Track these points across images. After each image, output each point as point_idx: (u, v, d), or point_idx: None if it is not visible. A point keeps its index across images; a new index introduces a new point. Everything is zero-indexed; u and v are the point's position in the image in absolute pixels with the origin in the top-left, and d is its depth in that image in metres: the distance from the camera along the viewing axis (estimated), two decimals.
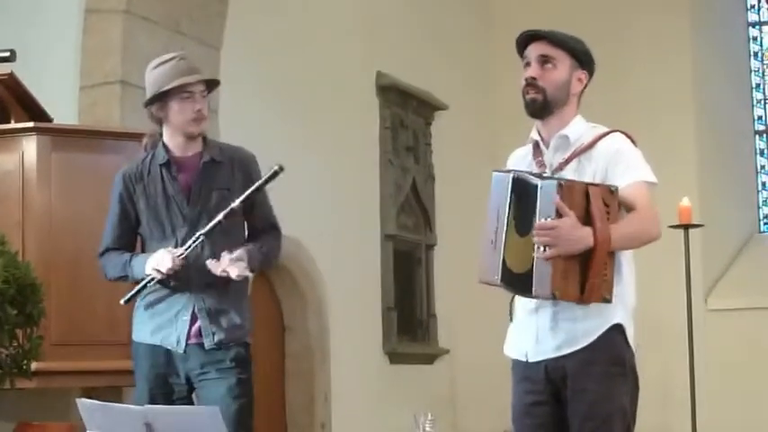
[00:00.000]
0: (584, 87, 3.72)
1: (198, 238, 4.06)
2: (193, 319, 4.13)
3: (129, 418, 3.50)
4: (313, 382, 8.00)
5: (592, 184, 3.45)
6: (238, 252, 4.05)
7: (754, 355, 9.43)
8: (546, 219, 3.38)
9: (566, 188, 3.39)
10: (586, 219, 3.41)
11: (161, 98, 4.16)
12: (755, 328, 9.47)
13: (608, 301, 3.46)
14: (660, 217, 3.56)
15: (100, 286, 4.49)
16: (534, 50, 3.66)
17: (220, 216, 4.07)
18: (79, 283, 4.83)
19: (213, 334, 4.11)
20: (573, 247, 3.38)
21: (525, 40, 3.71)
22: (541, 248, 3.40)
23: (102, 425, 3.51)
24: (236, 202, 4.09)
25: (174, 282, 4.11)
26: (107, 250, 4.27)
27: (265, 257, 4.25)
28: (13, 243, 4.45)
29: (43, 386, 4.79)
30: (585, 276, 3.42)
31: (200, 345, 4.12)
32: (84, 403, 3.54)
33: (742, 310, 9.60)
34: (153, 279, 4.08)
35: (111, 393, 5.00)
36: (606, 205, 3.44)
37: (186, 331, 4.12)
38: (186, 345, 4.12)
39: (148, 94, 4.20)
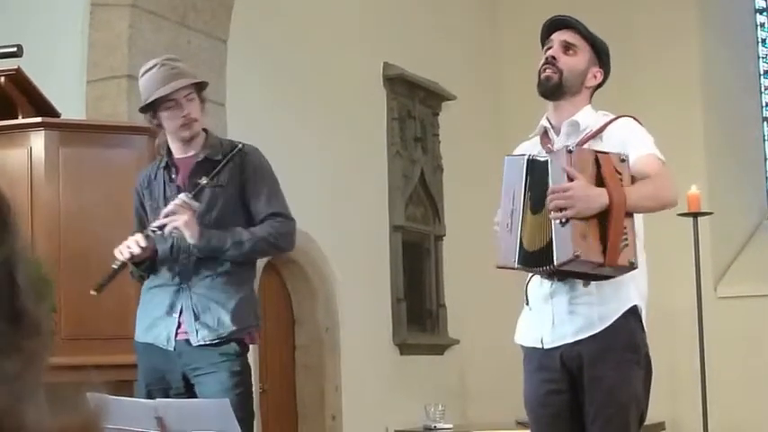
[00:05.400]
0: (599, 86, 3.75)
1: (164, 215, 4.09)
2: (182, 316, 4.14)
3: (140, 411, 3.51)
4: (323, 374, 8.00)
5: (601, 152, 3.46)
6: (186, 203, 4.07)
7: (764, 342, 9.41)
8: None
9: (575, 154, 3.41)
10: (598, 184, 3.41)
11: (149, 108, 4.20)
12: (766, 315, 9.45)
13: (634, 265, 3.43)
14: (674, 183, 3.55)
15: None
16: (560, 36, 3.72)
17: (183, 195, 4.10)
18: (88, 278, 4.81)
19: (197, 331, 4.11)
20: (589, 206, 3.38)
21: (552, 27, 3.74)
22: (558, 219, 3.40)
23: (114, 419, 3.51)
24: (204, 180, 4.11)
25: (160, 267, 4.15)
26: None
27: (239, 243, 4.17)
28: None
29: (54, 381, 4.78)
30: (606, 238, 3.40)
31: (189, 341, 4.14)
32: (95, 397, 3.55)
33: (752, 298, 9.57)
34: (121, 264, 4.10)
35: (122, 387, 5.00)
36: (618, 172, 3.44)
37: (175, 328, 4.13)
38: (176, 341, 4.13)
39: (141, 103, 4.26)
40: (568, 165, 3.39)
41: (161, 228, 4.09)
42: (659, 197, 3.52)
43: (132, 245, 4.07)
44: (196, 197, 4.11)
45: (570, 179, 3.38)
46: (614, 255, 3.40)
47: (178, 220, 4.06)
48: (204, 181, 4.10)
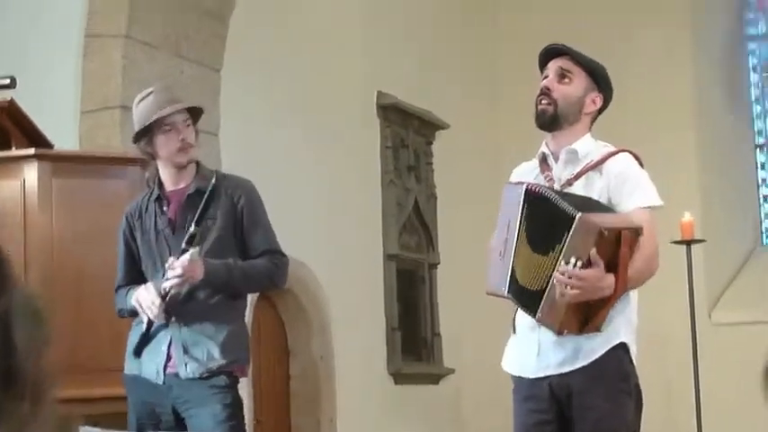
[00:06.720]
0: (600, 112, 3.74)
1: (170, 267, 4.02)
2: (171, 350, 4.10)
3: None
4: (318, 404, 7.97)
5: (626, 229, 3.44)
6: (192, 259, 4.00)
7: (759, 369, 9.39)
8: (575, 260, 3.36)
9: (607, 237, 3.37)
10: (611, 262, 3.40)
11: (145, 134, 4.16)
12: (760, 341, 9.44)
13: (600, 330, 3.48)
14: (658, 249, 3.57)
15: (102, 312, 4.48)
16: (554, 64, 3.71)
17: (183, 244, 4.03)
18: (81, 310, 4.81)
19: (186, 365, 4.06)
20: (593, 296, 3.40)
21: (548, 55, 3.74)
22: (560, 293, 3.40)
23: None
24: (192, 227, 4.03)
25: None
26: (119, 287, 4.28)
27: (243, 277, 4.15)
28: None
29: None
30: (591, 313, 3.44)
31: (178, 374, 4.10)
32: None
33: (746, 324, 9.57)
34: (147, 328, 4.08)
35: (116, 420, 4.97)
36: (631, 248, 3.44)
37: (164, 362, 4.10)
38: (165, 375, 4.10)
39: (135, 131, 4.22)
40: (596, 245, 3.36)
41: (173, 286, 4.04)
42: (647, 276, 3.57)
43: (153, 309, 4.02)
44: (191, 241, 4.05)
45: (590, 260, 3.36)
46: (590, 328, 3.48)
47: (193, 279, 4.02)
48: (192, 230, 4.03)
